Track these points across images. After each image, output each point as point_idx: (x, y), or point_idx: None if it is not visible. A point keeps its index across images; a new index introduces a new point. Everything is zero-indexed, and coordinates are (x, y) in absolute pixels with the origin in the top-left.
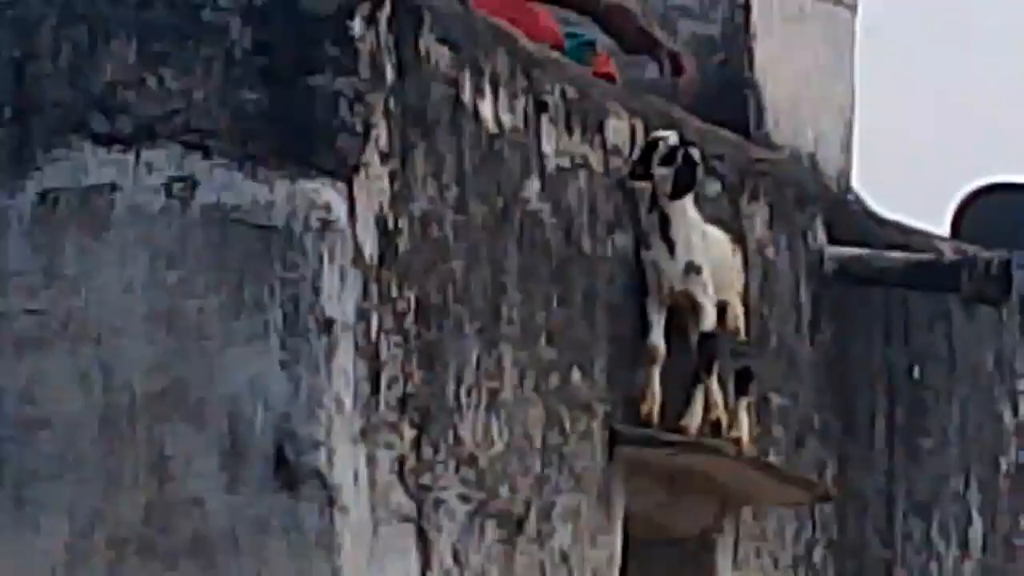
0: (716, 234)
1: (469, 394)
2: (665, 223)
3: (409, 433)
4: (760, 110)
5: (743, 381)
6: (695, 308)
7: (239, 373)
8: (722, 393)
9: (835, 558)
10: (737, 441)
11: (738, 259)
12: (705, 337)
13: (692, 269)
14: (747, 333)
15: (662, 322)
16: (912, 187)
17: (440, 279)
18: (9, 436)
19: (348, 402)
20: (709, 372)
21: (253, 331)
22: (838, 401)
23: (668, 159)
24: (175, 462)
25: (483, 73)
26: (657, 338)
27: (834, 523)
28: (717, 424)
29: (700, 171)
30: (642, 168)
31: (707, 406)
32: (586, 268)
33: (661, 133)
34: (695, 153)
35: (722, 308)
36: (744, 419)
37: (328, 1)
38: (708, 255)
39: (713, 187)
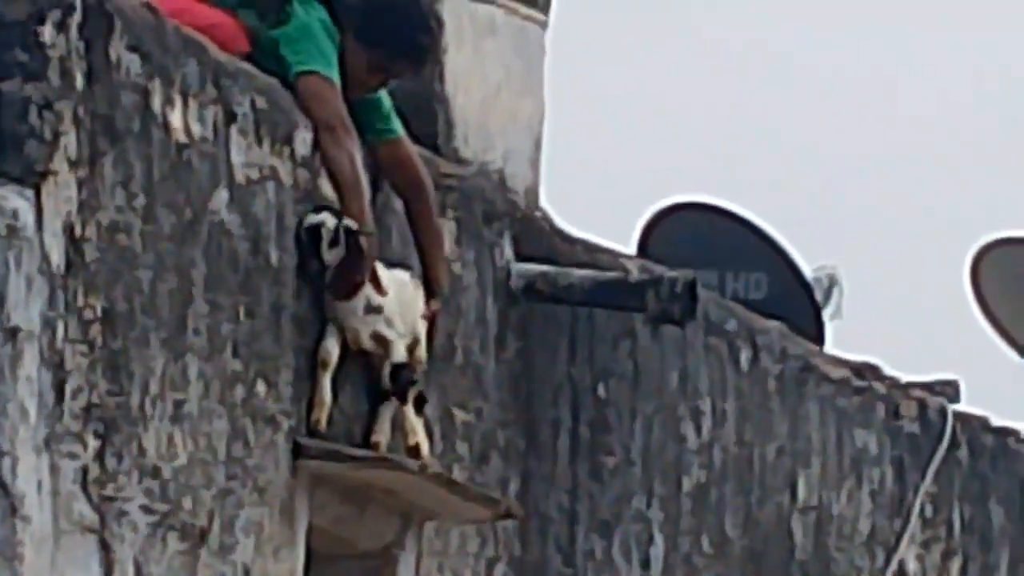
0: (398, 276)
1: (154, 405)
2: None
3: (93, 443)
4: (449, 124)
5: (418, 405)
6: (384, 346)
7: None
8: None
9: (517, 575)
10: (417, 452)
11: (419, 294)
12: (397, 368)
13: (373, 310)
14: (428, 351)
15: (340, 332)
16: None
17: (127, 288)
18: None
19: (32, 411)
20: (403, 400)
21: None
22: (523, 418)
23: (334, 241)
24: None
25: (173, 82)
26: (331, 345)
27: (517, 540)
28: (416, 450)
29: (367, 245)
30: (316, 261)
31: (404, 433)
32: (273, 280)
33: (315, 218)
34: (354, 225)
35: (411, 347)
36: (422, 434)
37: (18, 6)
38: (391, 296)
39: (400, 201)
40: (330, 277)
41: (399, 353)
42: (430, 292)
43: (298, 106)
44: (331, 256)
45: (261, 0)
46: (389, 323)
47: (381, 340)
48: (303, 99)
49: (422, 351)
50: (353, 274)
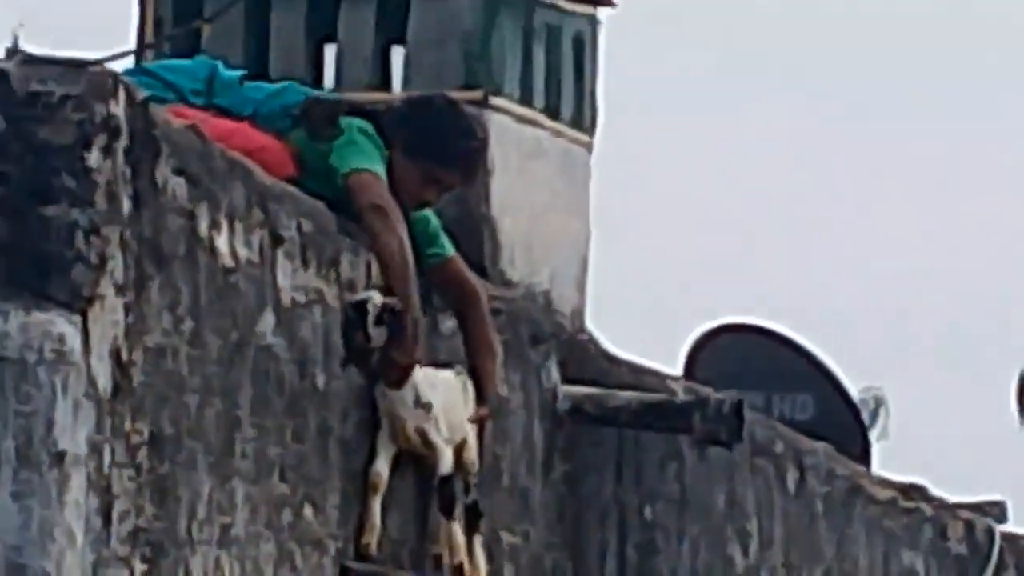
0: (445, 376)
1: (201, 529)
2: None
3: (140, 567)
4: (496, 247)
5: (473, 517)
6: (430, 448)
7: None
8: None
9: None
10: (460, 571)
11: (470, 393)
12: (444, 480)
13: (422, 405)
14: (480, 466)
15: (390, 454)
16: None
17: (174, 412)
18: None
19: (79, 535)
20: (450, 515)
21: None
22: (570, 540)
23: (379, 319)
24: None
25: (219, 206)
26: (381, 466)
27: None
28: (460, 568)
29: (413, 326)
30: (362, 335)
31: (449, 550)
32: (320, 403)
33: (362, 295)
34: (399, 304)
35: (459, 449)
36: (480, 557)
37: (65, 131)
38: (438, 396)
39: (448, 324)
40: (377, 362)
41: (446, 463)
42: (480, 399)
43: (351, 207)
44: (376, 334)
45: (311, 120)
46: (436, 425)
47: (427, 442)
48: (352, 193)
49: (472, 454)
50: (401, 356)
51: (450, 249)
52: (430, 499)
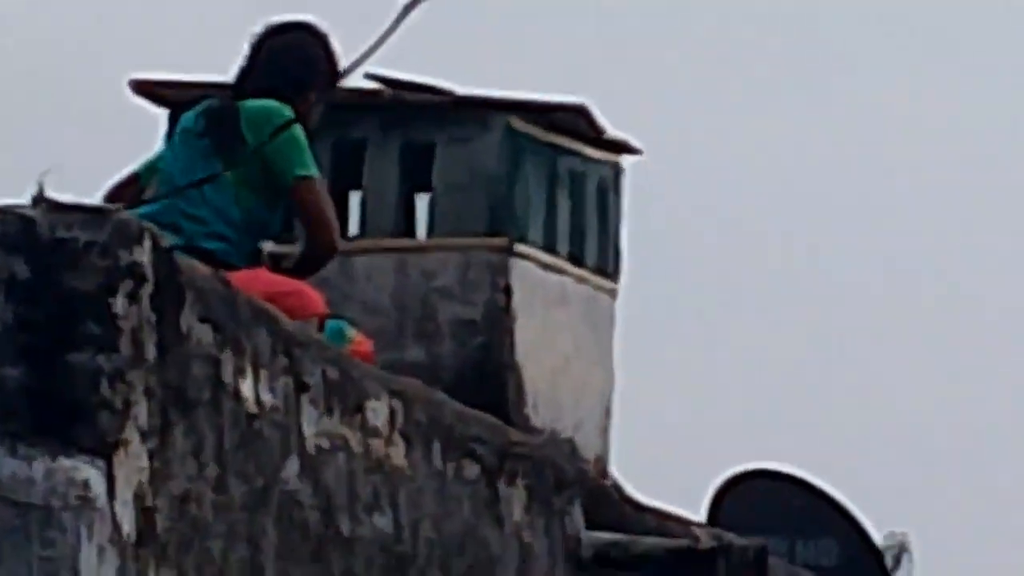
0: None
1: None
2: None
3: None
4: (520, 393)
5: None
6: None
7: None
8: None
9: None
10: None
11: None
12: None
13: None
14: None
15: None
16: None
17: (198, 558)
18: None
19: None
20: None
21: None
22: None
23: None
24: None
25: (244, 352)
26: None
27: None
28: None
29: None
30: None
31: None
32: (345, 549)
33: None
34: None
35: None
36: None
37: (90, 278)
38: None
39: (472, 469)
40: None
41: None
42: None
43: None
44: None
45: (218, 137)
46: None
47: None
48: (304, 198)
49: None
50: None
51: (314, 170)
52: None
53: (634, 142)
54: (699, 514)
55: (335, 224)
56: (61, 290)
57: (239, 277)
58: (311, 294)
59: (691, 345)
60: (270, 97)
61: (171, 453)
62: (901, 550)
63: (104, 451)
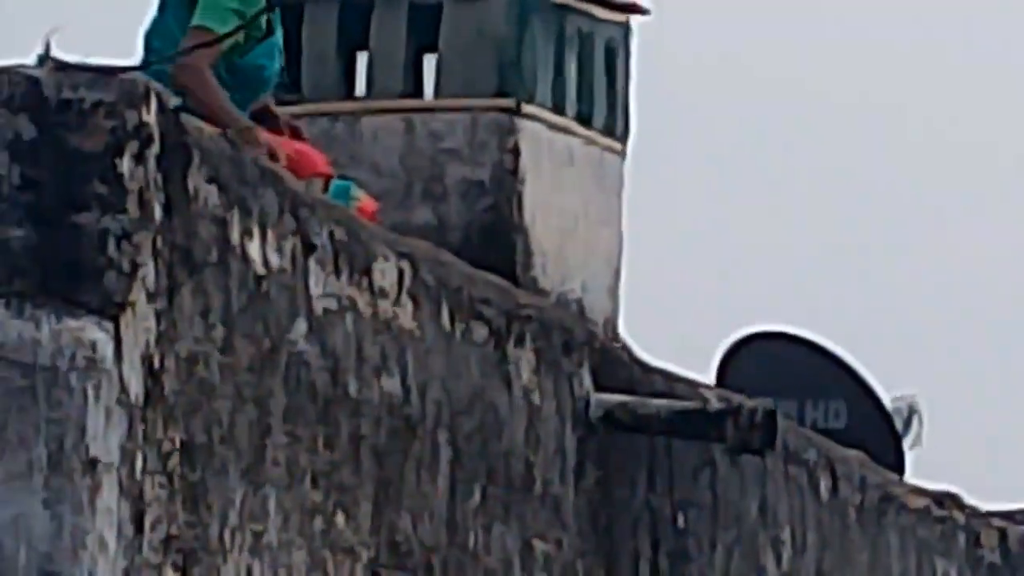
0: None
1: (233, 536)
2: None
3: (172, 575)
4: (528, 255)
5: None
6: None
7: (1, 511)
8: None
9: None
10: None
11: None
12: None
13: None
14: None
15: None
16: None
17: (206, 420)
18: None
19: (111, 543)
20: None
21: (16, 469)
22: (602, 548)
23: None
24: None
25: (251, 213)
26: None
27: None
28: None
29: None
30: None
31: None
32: (352, 410)
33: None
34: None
35: None
36: None
37: (96, 138)
38: None
39: (480, 331)
40: None
41: None
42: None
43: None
44: None
45: None
46: None
47: None
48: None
49: None
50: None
51: (208, 22)
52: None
53: (642, 2)
54: (708, 376)
55: (187, 63)
56: (67, 150)
57: None
58: (313, 154)
59: (699, 207)
60: None
61: (178, 314)
62: (911, 412)
63: (111, 312)
